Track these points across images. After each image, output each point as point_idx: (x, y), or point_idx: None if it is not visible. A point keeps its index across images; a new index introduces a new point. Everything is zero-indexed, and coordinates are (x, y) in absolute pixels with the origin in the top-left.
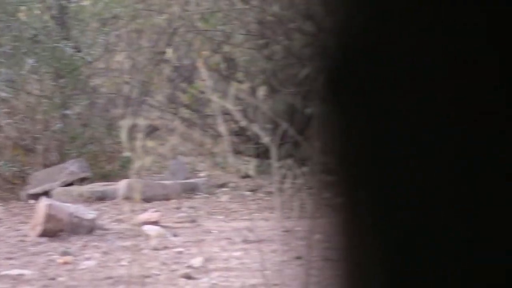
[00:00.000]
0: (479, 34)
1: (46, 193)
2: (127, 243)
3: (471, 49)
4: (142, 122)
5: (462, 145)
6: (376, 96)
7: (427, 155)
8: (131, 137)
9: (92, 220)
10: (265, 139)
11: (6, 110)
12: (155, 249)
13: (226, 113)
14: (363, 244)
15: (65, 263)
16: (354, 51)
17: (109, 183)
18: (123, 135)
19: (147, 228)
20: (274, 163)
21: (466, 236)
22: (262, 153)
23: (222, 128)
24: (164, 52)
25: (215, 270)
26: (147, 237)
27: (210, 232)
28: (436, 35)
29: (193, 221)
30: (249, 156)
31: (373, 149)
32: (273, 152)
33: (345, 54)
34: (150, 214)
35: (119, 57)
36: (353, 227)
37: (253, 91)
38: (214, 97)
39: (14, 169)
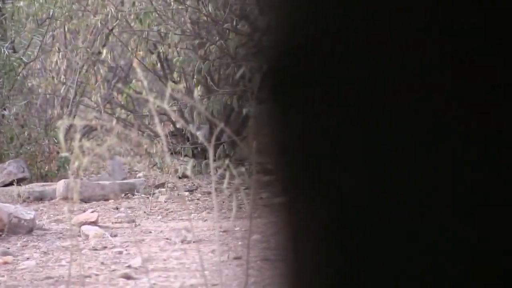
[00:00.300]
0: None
1: None
2: (66, 243)
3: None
4: (79, 122)
5: (417, 140)
6: (316, 93)
7: (369, 151)
8: (69, 138)
9: (31, 220)
10: (202, 139)
11: None
12: (94, 249)
13: (162, 113)
14: (304, 244)
15: (5, 263)
16: (291, 50)
17: (47, 183)
18: (60, 136)
19: (86, 228)
20: (211, 163)
21: (416, 235)
22: (199, 153)
23: (159, 129)
24: (99, 53)
25: (155, 270)
26: (86, 237)
27: (149, 232)
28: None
29: (131, 221)
30: (186, 156)
31: (313, 148)
32: (210, 152)
33: (282, 53)
34: (88, 214)
35: (55, 58)
36: (294, 227)
37: (189, 91)
38: (150, 98)
39: None
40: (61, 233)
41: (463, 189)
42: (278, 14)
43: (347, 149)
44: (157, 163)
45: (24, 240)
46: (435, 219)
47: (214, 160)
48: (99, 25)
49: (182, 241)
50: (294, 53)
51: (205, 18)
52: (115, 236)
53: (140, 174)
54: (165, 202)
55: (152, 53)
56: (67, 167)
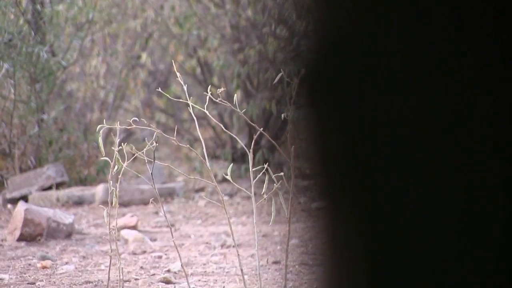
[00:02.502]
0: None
1: (23, 198)
2: (106, 247)
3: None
4: (118, 126)
5: (445, 147)
6: (353, 99)
7: (406, 158)
8: (108, 142)
9: (70, 224)
10: (241, 143)
11: None
12: (134, 253)
13: (202, 117)
14: (341, 249)
15: (44, 267)
16: (328, 54)
17: (87, 187)
18: (100, 140)
19: (125, 233)
20: (251, 167)
21: (451, 239)
22: (239, 158)
23: (199, 133)
24: (139, 57)
25: (194, 274)
26: (125, 241)
27: (189, 237)
28: (415, 37)
29: (171, 225)
30: (226, 160)
31: (349, 153)
32: (250, 156)
33: (319, 57)
34: (128, 219)
35: (95, 62)
36: (331, 232)
37: (228, 95)
38: (190, 102)
39: None
40: (100, 237)
41: (493, 189)
42: (314, 19)
43: (381, 154)
44: (196, 167)
45: (63, 244)
46: (467, 221)
47: (253, 165)
48: (139, 29)
49: (222, 246)
50: (330, 57)
51: (244, 22)
52: (155, 240)
53: (180, 179)
54: (205, 206)
55: (192, 57)
56: (106, 171)
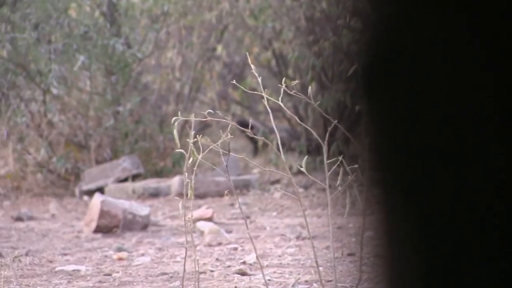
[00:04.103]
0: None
1: (99, 190)
2: (181, 239)
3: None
4: (193, 118)
5: (502, 146)
6: (412, 95)
7: (467, 154)
8: (183, 134)
9: (146, 216)
10: (316, 135)
11: (59, 107)
12: (209, 245)
13: (277, 109)
14: (401, 242)
15: (120, 259)
16: (391, 48)
17: (162, 179)
18: (175, 132)
19: (201, 225)
20: (326, 160)
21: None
22: (314, 150)
23: (274, 125)
24: (214, 49)
25: (269, 266)
26: (201, 233)
27: (264, 229)
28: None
29: (246, 217)
30: (301, 152)
31: (407, 148)
32: (324, 149)
33: (381, 51)
34: (203, 211)
35: (170, 54)
36: (389, 226)
37: (303, 87)
38: (265, 94)
39: (67, 165)
40: (176, 229)
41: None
42: (383, 12)
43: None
44: (272, 159)
45: (139, 236)
46: None
47: (328, 157)
48: (214, 21)
49: (297, 237)
50: (394, 52)
51: (319, 14)
52: (230, 232)
53: (255, 171)
54: (280, 198)
55: (267, 49)
56: (182, 163)
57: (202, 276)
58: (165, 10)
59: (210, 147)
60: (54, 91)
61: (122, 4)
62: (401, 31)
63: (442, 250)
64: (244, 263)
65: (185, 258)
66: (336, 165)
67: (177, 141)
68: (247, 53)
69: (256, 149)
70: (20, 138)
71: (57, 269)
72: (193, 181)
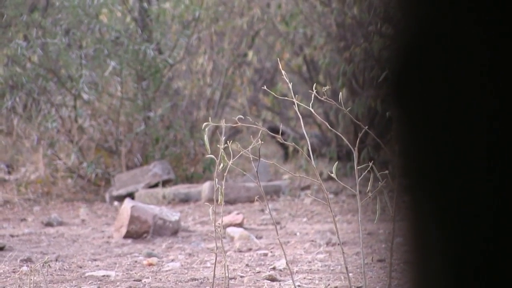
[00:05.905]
0: None
1: (129, 195)
2: (211, 245)
3: None
4: (224, 124)
5: None
6: (442, 100)
7: (497, 160)
8: (214, 140)
9: (176, 222)
10: (346, 141)
11: (89, 112)
12: (239, 251)
13: (308, 115)
14: (431, 248)
15: (150, 264)
16: (421, 55)
17: (193, 185)
18: (206, 138)
19: (231, 230)
20: (356, 166)
21: None
22: (344, 156)
23: (304, 131)
24: (245, 55)
25: (299, 272)
26: (231, 239)
27: (294, 234)
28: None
29: (277, 223)
30: (331, 158)
31: (437, 154)
32: (355, 155)
33: (411, 57)
34: (234, 216)
35: (201, 60)
36: (421, 231)
37: (334, 93)
38: (296, 100)
39: (98, 170)
40: (206, 235)
41: None
42: (408, 19)
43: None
44: (302, 165)
45: (169, 241)
46: None
47: (359, 163)
48: (245, 27)
49: (327, 243)
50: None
51: (350, 20)
52: (260, 238)
53: (286, 176)
54: (310, 204)
55: (298, 55)
56: (212, 169)
57: (232, 282)
58: (196, 16)
59: (241, 153)
60: (85, 96)
61: (154, 10)
62: (431, 37)
63: (471, 257)
64: (274, 269)
65: (215, 263)
66: (366, 171)
67: (208, 146)
68: (278, 59)
69: (287, 155)
70: (50, 144)
71: (86, 274)
72: (223, 187)
